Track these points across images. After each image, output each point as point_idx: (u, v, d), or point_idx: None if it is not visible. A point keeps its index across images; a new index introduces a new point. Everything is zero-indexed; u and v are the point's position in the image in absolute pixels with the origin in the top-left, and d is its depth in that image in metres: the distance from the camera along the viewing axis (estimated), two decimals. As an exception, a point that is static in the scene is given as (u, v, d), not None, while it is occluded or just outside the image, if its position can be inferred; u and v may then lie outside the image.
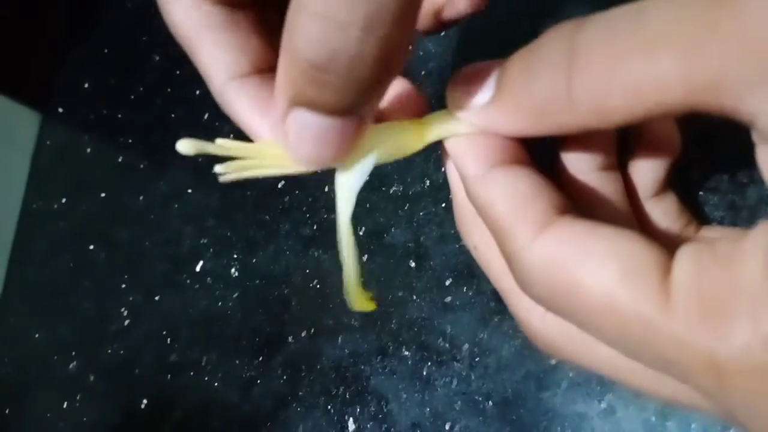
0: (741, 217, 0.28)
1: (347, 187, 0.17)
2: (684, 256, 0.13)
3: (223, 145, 0.17)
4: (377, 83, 0.14)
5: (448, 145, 0.17)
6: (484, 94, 0.16)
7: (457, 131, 0.17)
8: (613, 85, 0.13)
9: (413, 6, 0.13)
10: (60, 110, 0.53)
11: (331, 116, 0.15)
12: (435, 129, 0.17)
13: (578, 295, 0.14)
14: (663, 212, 0.20)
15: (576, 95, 0.14)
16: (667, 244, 0.18)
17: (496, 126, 0.16)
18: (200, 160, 0.45)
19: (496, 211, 0.16)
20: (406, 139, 0.17)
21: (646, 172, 0.20)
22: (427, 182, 0.36)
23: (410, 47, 0.15)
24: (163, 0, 0.19)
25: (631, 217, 0.18)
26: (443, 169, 0.36)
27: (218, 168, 0.17)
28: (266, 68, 0.19)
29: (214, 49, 0.18)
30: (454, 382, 0.31)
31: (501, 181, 0.16)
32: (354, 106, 0.15)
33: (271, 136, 0.18)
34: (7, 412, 0.46)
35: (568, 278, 0.14)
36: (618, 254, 0.13)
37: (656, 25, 0.12)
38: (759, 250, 0.12)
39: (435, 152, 0.37)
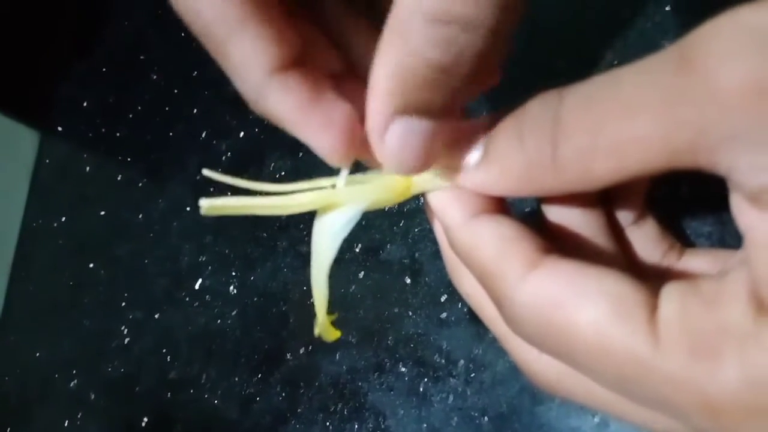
0: (729, 232, 0.29)
1: (331, 233, 0.18)
2: (669, 294, 0.14)
3: (243, 205, 0.17)
4: (476, 74, 0.15)
5: (431, 198, 0.18)
6: (472, 157, 0.16)
7: (442, 186, 0.17)
8: (596, 150, 0.14)
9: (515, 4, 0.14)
10: (59, 128, 0.54)
11: (436, 119, 0.15)
12: (420, 183, 0.18)
13: (570, 334, 0.14)
14: (644, 239, 0.20)
15: (561, 161, 0.14)
16: (651, 274, 0.18)
17: (484, 188, 0.16)
18: (198, 178, 0.45)
19: (482, 257, 0.16)
20: (392, 191, 0.18)
21: (623, 201, 0.20)
22: (422, 199, 0.36)
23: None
24: None
25: (616, 251, 0.18)
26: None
27: (202, 202, 0.17)
28: (301, 60, 0.17)
29: (250, 43, 0.16)
30: (450, 397, 0.32)
31: (484, 228, 0.16)
32: (458, 104, 0.15)
33: (316, 134, 0.17)
34: (8, 430, 0.47)
35: (558, 318, 0.14)
36: (607, 293, 0.14)
37: (632, 92, 0.13)
38: (742, 291, 0.13)
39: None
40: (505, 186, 0.16)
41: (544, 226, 0.18)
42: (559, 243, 0.17)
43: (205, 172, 0.18)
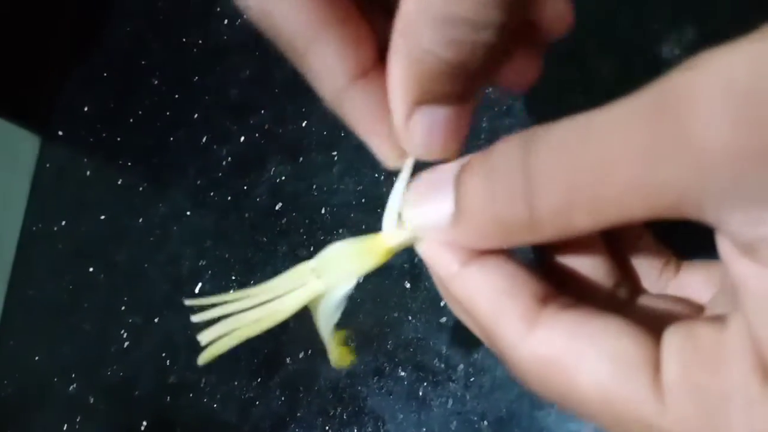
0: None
1: (329, 315, 0.18)
2: (670, 348, 0.13)
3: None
4: (488, 64, 0.15)
5: (419, 247, 0.17)
6: (443, 211, 0.15)
7: (418, 241, 0.17)
8: (573, 205, 0.13)
9: None
10: (60, 133, 0.54)
11: (456, 104, 0.16)
12: (397, 241, 0.17)
13: (574, 395, 0.14)
14: (641, 256, 0.20)
15: (538, 220, 0.14)
16: (650, 293, 0.18)
17: (460, 243, 0.16)
18: (199, 182, 0.45)
19: (478, 311, 0.15)
20: (372, 256, 0.17)
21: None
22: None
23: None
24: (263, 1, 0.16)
25: (614, 277, 0.18)
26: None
27: (201, 337, 0.18)
28: (376, 62, 0.17)
29: (330, 50, 0.16)
30: (450, 402, 0.32)
31: (477, 278, 0.15)
32: (476, 89, 0.16)
33: (383, 144, 0.17)
34: (7, 433, 0.47)
35: (561, 379, 0.14)
36: (608, 352, 0.14)
37: (604, 145, 0.12)
38: (744, 350, 0.12)
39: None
40: (480, 243, 0.15)
41: (538, 253, 0.18)
42: (556, 270, 0.17)
43: (188, 302, 0.18)
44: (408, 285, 0.35)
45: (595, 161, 0.12)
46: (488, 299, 0.15)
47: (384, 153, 0.18)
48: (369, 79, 0.17)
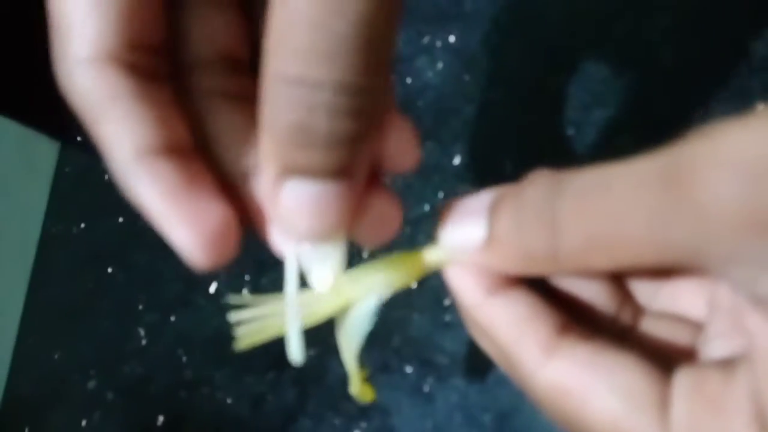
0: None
1: (354, 329, 0.19)
2: (680, 390, 0.14)
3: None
4: (362, 134, 0.14)
5: (448, 275, 0.18)
6: (476, 236, 0.17)
7: (452, 262, 0.17)
8: (592, 248, 0.14)
9: (382, 55, 0.14)
10: (78, 138, 0.55)
11: (325, 180, 0.15)
12: (430, 261, 0.18)
13: (585, 425, 0.15)
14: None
15: (560, 255, 0.15)
16: (653, 338, 0.19)
17: (489, 266, 0.17)
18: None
19: (498, 339, 0.16)
20: (403, 273, 0.18)
21: None
22: (426, 206, 0.37)
23: (390, 91, 0.16)
24: (62, 61, 0.16)
25: (612, 295, 0.19)
26: (440, 194, 0.38)
27: (237, 331, 0.18)
28: (183, 148, 0.16)
29: (120, 121, 0.16)
30: (454, 396, 0.33)
31: (499, 309, 0.17)
32: (344, 164, 0.15)
33: (179, 228, 0.16)
34: (27, 430, 0.48)
35: (574, 408, 0.15)
36: (620, 389, 0.15)
37: (621, 200, 0.14)
38: (746, 403, 0.13)
39: (432, 177, 0.39)
40: (507, 267, 0.17)
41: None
42: (559, 295, 0.18)
43: (232, 300, 0.18)
44: (414, 284, 0.36)
45: (613, 215, 0.14)
46: (509, 327, 0.16)
47: (183, 245, 0.16)
48: (159, 159, 0.16)
